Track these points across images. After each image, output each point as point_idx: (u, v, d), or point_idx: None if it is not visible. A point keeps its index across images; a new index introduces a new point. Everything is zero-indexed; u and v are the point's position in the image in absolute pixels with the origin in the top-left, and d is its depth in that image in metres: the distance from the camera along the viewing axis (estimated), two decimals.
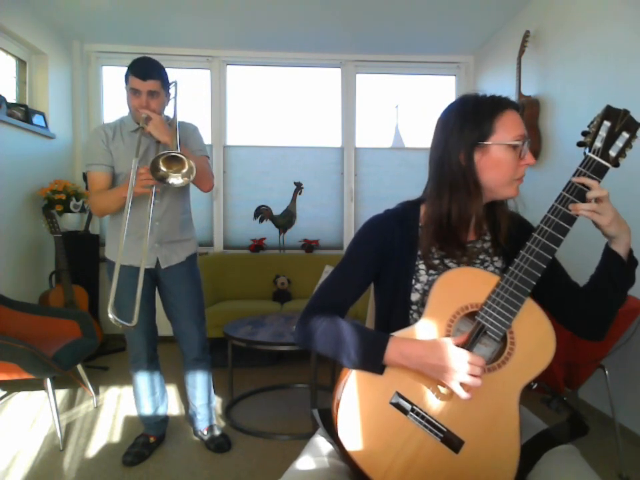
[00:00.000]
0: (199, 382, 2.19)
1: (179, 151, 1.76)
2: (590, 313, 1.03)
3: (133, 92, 1.88)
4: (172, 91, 2.02)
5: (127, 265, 1.97)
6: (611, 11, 2.42)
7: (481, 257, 1.08)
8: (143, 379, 2.10)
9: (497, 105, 0.99)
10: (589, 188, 0.93)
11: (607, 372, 2.02)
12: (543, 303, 1.01)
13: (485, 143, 0.98)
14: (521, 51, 3.07)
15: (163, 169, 1.78)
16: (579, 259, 1.22)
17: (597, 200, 0.93)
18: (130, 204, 1.79)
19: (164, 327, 2.29)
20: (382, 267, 1.08)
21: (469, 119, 0.99)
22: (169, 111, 2.04)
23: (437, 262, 1.05)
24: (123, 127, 2.00)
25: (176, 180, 1.80)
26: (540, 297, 1.02)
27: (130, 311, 2.02)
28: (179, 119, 2.00)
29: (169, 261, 2.06)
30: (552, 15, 2.93)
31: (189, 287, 2.11)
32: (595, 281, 1.02)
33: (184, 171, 1.79)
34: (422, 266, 1.06)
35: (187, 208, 2.15)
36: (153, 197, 1.86)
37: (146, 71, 1.85)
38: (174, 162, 1.78)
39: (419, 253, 1.06)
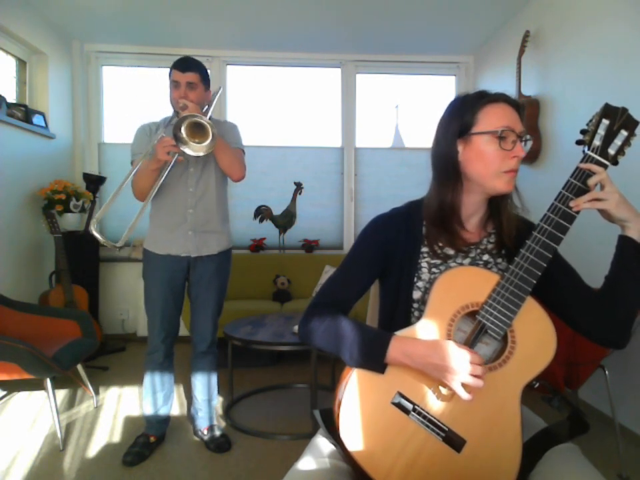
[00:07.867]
0: (203, 375, 2.21)
1: (207, 119, 1.81)
2: (608, 316, 0.98)
3: (174, 85, 1.99)
4: (213, 94, 2.12)
5: (164, 254, 2.05)
6: (611, 10, 2.42)
7: (485, 258, 1.07)
8: (154, 372, 2.12)
9: (482, 97, 1.00)
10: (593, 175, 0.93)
11: (607, 372, 2.02)
12: (558, 313, 1.02)
13: (468, 133, 0.99)
14: (521, 51, 3.07)
15: (184, 134, 1.80)
16: (593, 270, 1.19)
17: (601, 186, 0.93)
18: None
19: None
20: (386, 265, 1.09)
21: (454, 112, 1.03)
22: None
23: (439, 261, 1.06)
24: (166, 122, 2.08)
25: (191, 151, 1.83)
26: (553, 304, 1.02)
27: (161, 302, 2.06)
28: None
29: (200, 250, 2.09)
30: (552, 15, 2.93)
31: (214, 282, 2.14)
32: (611, 276, 0.98)
33: (204, 144, 1.82)
34: (424, 264, 1.06)
35: (222, 199, 2.17)
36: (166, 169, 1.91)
37: (186, 64, 1.99)
38: (198, 133, 1.82)
39: (422, 250, 1.07)
